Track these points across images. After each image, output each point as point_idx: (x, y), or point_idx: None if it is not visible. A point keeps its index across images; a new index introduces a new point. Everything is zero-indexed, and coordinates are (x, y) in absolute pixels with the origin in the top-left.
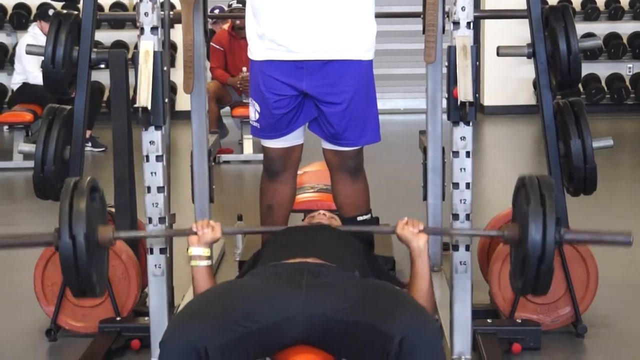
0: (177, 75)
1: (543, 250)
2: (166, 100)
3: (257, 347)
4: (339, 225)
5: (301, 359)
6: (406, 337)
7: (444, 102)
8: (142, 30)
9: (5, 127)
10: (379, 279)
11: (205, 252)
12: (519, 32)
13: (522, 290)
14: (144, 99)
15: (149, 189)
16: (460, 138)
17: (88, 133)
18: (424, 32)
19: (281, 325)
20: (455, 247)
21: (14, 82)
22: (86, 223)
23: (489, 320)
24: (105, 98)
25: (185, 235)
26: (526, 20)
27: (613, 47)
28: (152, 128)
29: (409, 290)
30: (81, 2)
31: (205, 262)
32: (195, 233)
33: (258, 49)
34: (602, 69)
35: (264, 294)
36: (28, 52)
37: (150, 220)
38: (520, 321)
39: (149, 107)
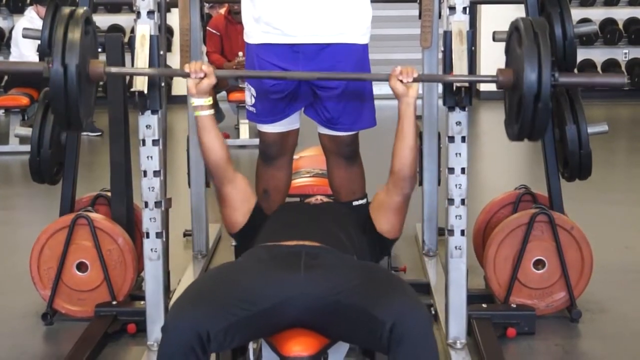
0: (174, 60)
1: (539, 89)
2: (162, 84)
3: (257, 328)
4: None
5: (296, 342)
6: (396, 324)
7: (440, 87)
8: (138, 14)
9: (2, 111)
10: (377, 256)
11: (207, 101)
12: (515, 17)
13: (519, 134)
14: (141, 83)
15: (145, 173)
16: (456, 123)
17: None
18: (420, 17)
19: (280, 306)
20: (451, 232)
21: None
22: (79, 54)
23: (484, 305)
24: (101, 82)
25: (178, 76)
26: (522, 6)
27: (609, 32)
28: (148, 112)
29: (394, 146)
30: None
31: (207, 111)
32: (189, 74)
33: (254, 33)
34: (598, 55)
35: (263, 276)
36: (24, 36)
37: (146, 204)
38: (515, 306)
39: (146, 92)
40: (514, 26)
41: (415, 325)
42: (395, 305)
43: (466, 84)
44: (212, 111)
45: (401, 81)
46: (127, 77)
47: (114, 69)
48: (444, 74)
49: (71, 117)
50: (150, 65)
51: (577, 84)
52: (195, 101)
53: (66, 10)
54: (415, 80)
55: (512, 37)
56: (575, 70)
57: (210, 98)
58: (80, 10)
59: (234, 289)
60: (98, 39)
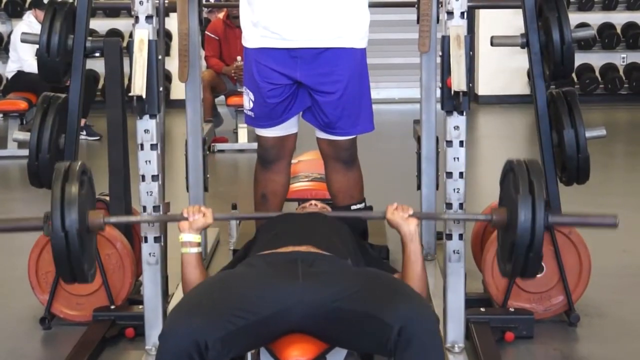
0: (172, 64)
1: (532, 238)
2: (161, 89)
3: (255, 337)
4: (329, 212)
5: (295, 347)
6: (405, 327)
7: (438, 91)
8: (137, 18)
9: (0, 115)
10: (370, 266)
11: (196, 238)
12: (513, 22)
13: (512, 274)
14: (139, 87)
15: (143, 177)
16: (454, 127)
17: (83, 121)
18: (418, 21)
19: (279, 315)
20: (449, 236)
21: (9, 70)
22: (78, 210)
23: (482, 309)
24: (100, 86)
25: (176, 221)
26: (520, 10)
27: (607, 37)
28: (146, 117)
29: (402, 276)
30: None
31: (195, 249)
32: (187, 219)
33: (252, 37)
34: (596, 59)
35: (261, 284)
36: (23, 40)
37: (144, 208)
38: (513, 310)
39: (144, 96)
40: (510, 167)
41: (423, 327)
42: (403, 308)
43: (464, 88)
44: (199, 249)
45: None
46: (126, 81)
47: (113, 219)
48: (442, 79)
49: (76, 274)
50: (149, 70)
51: (568, 224)
52: (184, 237)
53: (61, 166)
54: (411, 216)
55: (508, 176)
56: (574, 75)
57: (200, 236)
58: (76, 165)
59: (232, 298)
60: (94, 45)
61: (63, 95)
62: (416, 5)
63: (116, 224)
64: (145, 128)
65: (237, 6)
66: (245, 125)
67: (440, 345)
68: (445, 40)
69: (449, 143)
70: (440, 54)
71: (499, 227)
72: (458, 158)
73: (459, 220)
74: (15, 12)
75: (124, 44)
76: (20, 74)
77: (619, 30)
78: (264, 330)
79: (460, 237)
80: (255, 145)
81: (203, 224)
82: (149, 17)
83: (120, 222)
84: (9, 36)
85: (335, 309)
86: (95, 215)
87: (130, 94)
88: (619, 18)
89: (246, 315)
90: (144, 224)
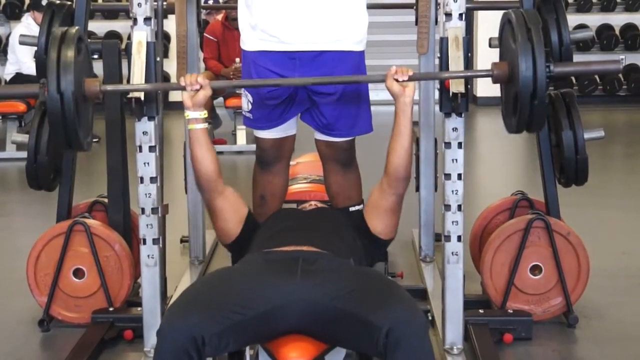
0: (171, 66)
1: (535, 86)
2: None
3: (252, 333)
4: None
5: (293, 348)
6: (393, 329)
7: (437, 93)
8: (135, 20)
9: None
10: (372, 263)
11: (202, 114)
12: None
13: (517, 127)
14: None
15: (142, 179)
16: (452, 129)
17: None
18: (416, 23)
19: (277, 312)
20: (447, 238)
21: (7, 72)
22: (73, 74)
23: (480, 311)
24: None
25: (174, 89)
26: None
27: (605, 38)
28: (145, 119)
29: (389, 148)
30: None
31: (202, 125)
32: (184, 87)
33: (250, 40)
34: None
35: (260, 281)
36: (21, 43)
37: (143, 210)
38: (511, 311)
39: (142, 98)
40: (507, 19)
41: (411, 330)
42: (391, 310)
43: (462, 89)
44: (206, 124)
45: (397, 80)
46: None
47: (109, 87)
48: (440, 81)
49: (71, 139)
50: (147, 71)
51: (572, 73)
52: (190, 114)
53: (58, 31)
54: (410, 78)
55: (505, 29)
56: (573, 78)
57: (205, 111)
58: (72, 30)
59: (230, 293)
60: (92, 47)
61: None
62: (415, 7)
63: (113, 92)
64: (144, 130)
65: (236, 8)
66: (244, 127)
67: (429, 349)
68: (443, 42)
69: (448, 145)
70: (439, 55)
71: (501, 82)
72: (456, 159)
73: (459, 76)
74: (13, 14)
75: (123, 46)
76: (18, 76)
77: (617, 32)
78: (262, 326)
79: (459, 238)
80: (254, 147)
81: (204, 97)
82: (147, 19)
83: (117, 90)
84: (7, 38)
85: (333, 308)
86: (92, 82)
87: (128, 96)
88: (618, 19)
89: (243, 310)
90: (143, 226)
